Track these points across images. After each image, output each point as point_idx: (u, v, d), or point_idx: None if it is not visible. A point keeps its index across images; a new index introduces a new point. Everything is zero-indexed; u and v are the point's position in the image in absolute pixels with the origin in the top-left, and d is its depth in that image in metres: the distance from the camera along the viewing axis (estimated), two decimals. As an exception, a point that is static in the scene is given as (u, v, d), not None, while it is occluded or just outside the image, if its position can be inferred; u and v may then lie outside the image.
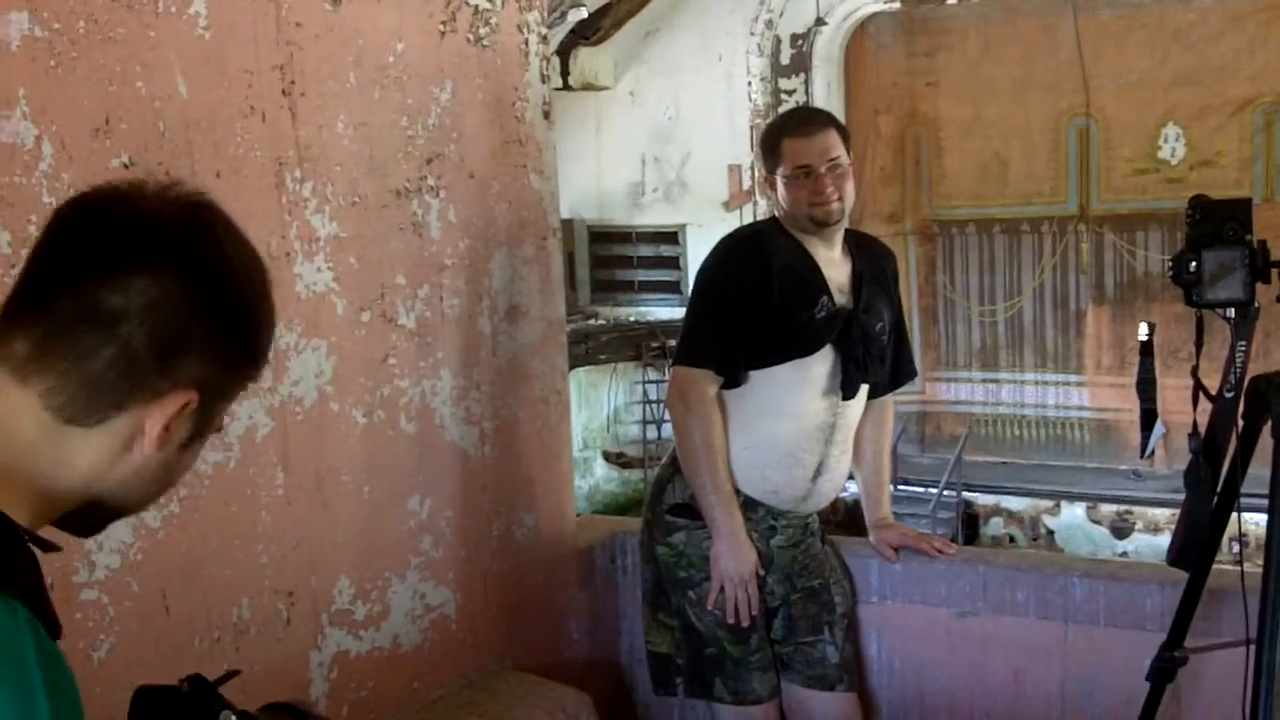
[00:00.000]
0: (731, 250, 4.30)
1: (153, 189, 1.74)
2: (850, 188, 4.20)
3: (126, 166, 3.19)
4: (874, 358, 4.32)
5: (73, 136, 3.08)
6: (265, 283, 1.81)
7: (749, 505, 4.27)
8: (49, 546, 1.63)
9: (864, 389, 4.37)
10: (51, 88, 3.03)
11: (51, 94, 3.03)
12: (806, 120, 4.36)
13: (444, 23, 4.16)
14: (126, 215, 1.70)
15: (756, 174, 15.99)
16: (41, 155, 3.01)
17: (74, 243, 1.69)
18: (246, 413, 3.56)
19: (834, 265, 4.27)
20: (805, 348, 4.19)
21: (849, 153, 4.23)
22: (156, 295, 1.63)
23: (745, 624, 4.23)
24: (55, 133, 3.04)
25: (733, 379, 4.21)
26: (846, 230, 4.33)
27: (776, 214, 4.37)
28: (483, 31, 4.31)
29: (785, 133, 4.27)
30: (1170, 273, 3.60)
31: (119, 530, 3.22)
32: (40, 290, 1.67)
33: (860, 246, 4.41)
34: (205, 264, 1.70)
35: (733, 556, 4.18)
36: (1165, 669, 3.83)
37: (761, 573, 4.25)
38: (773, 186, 4.27)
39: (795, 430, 4.25)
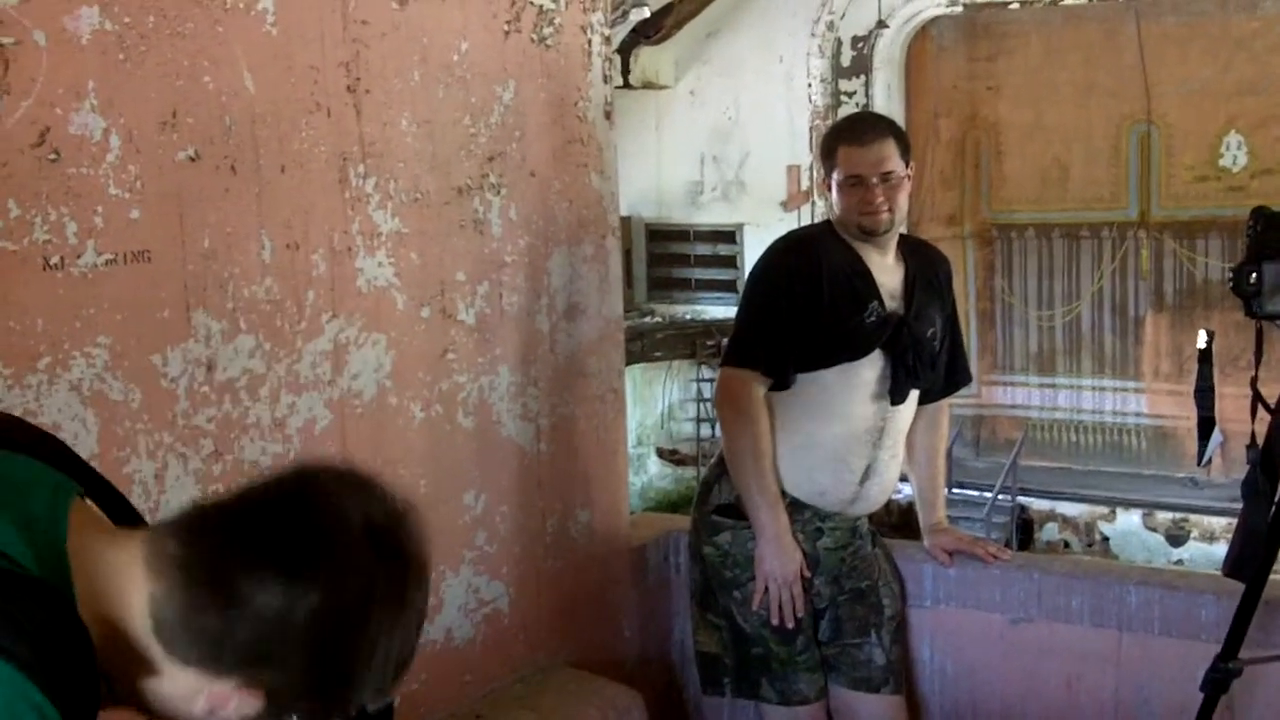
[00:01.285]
0: (783, 253, 4.31)
1: (378, 498, 1.78)
2: (903, 198, 4.19)
3: (192, 159, 3.22)
4: (924, 363, 4.31)
5: (140, 129, 3.11)
6: (406, 642, 1.82)
7: (796, 506, 4.27)
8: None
9: (914, 394, 4.37)
10: (120, 81, 3.07)
11: (120, 87, 3.07)
12: (864, 129, 4.33)
13: (508, 23, 4.18)
14: (317, 521, 1.72)
15: (815, 175, 15.99)
16: (109, 147, 3.04)
17: (261, 514, 1.72)
18: (306, 405, 3.60)
19: (886, 270, 4.27)
20: (854, 352, 4.19)
21: (908, 163, 4.21)
22: (278, 608, 1.65)
23: (790, 625, 4.23)
24: (123, 125, 3.07)
25: (781, 381, 4.21)
26: (901, 236, 4.33)
27: (831, 218, 4.38)
28: (546, 31, 4.33)
29: (842, 139, 4.26)
30: (1230, 283, 3.60)
31: (178, 521, 3.25)
32: (217, 523, 1.72)
33: (914, 252, 4.40)
34: (348, 609, 1.71)
35: (777, 557, 4.19)
36: (1220, 680, 3.81)
37: (807, 574, 4.25)
38: (828, 190, 4.27)
39: (843, 433, 4.26)
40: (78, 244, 2.99)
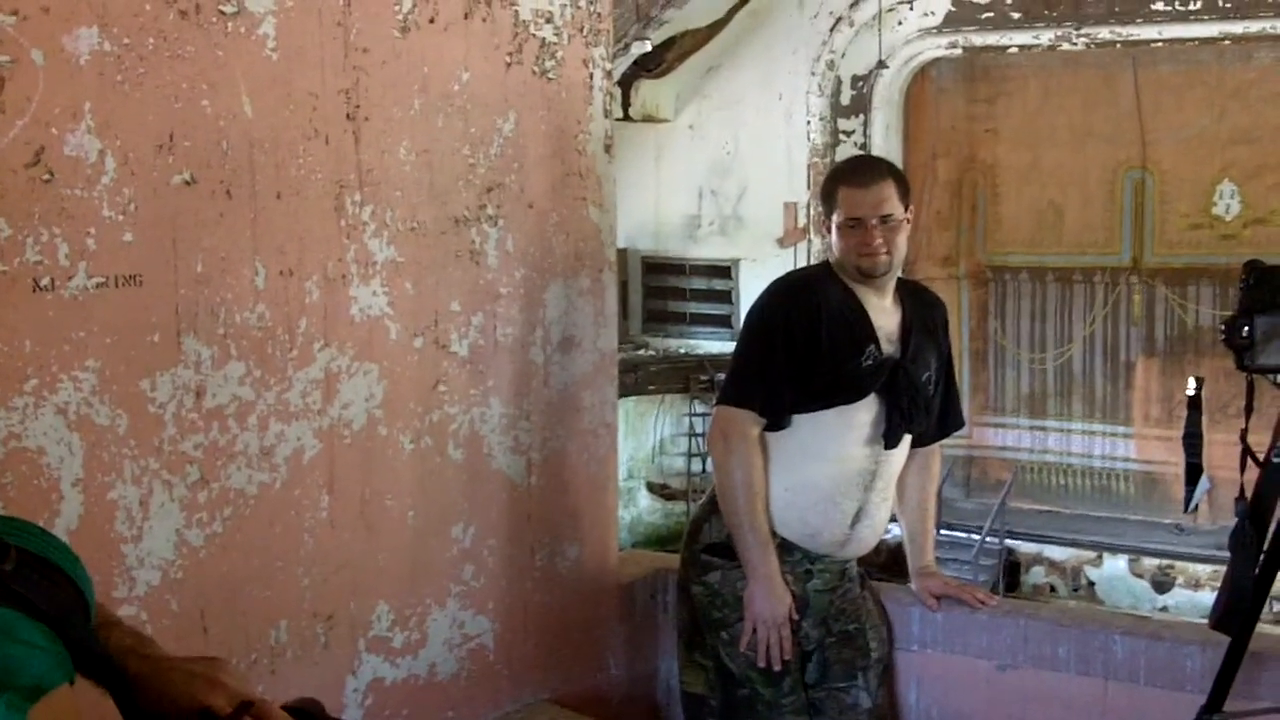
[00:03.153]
0: (782, 293, 4.29)
1: None
2: (902, 241, 4.18)
3: (188, 183, 3.21)
4: (919, 407, 4.30)
5: (136, 152, 3.10)
6: None
7: (786, 548, 4.25)
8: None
9: (906, 438, 4.35)
10: (117, 102, 3.06)
11: (117, 109, 3.06)
12: (865, 171, 4.34)
13: (510, 54, 4.18)
14: None
15: (813, 212, 16.01)
16: (104, 169, 3.04)
17: None
18: (295, 434, 3.58)
19: (884, 313, 4.26)
20: (850, 395, 4.18)
21: (907, 206, 4.21)
22: None
23: (777, 668, 4.21)
24: (119, 147, 3.06)
25: (776, 422, 4.20)
26: (899, 279, 4.32)
27: (829, 259, 4.37)
28: (548, 64, 4.32)
29: (842, 181, 4.26)
30: (1222, 335, 3.59)
31: (161, 547, 3.24)
32: None
33: (911, 295, 4.39)
34: None
35: (766, 599, 4.16)
36: (1204, 732, 3.80)
37: (796, 617, 4.22)
38: (827, 231, 4.26)
39: (836, 475, 4.24)
40: (69, 266, 2.97)
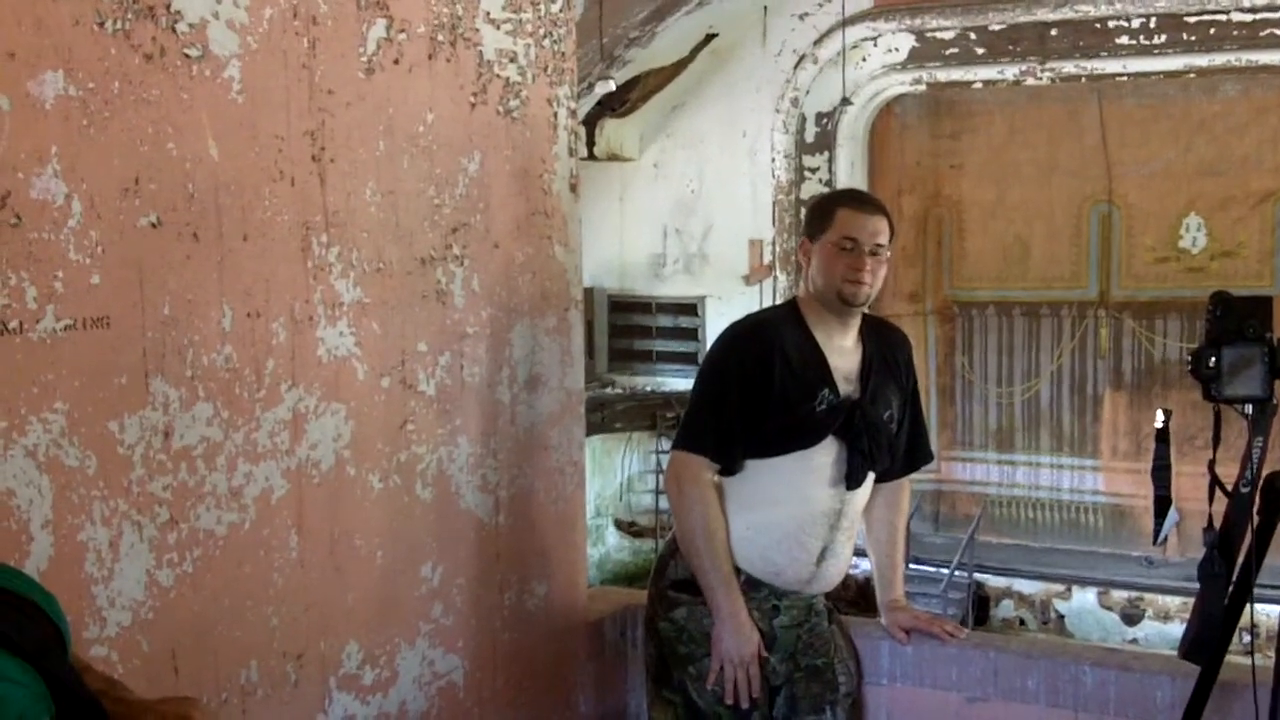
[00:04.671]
0: (736, 338, 4.29)
1: None
2: (882, 276, 4.20)
3: (154, 226, 3.21)
4: (880, 446, 4.30)
5: (102, 195, 3.10)
6: None
7: (752, 585, 4.25)
8: None
9: (871, 476, 4.36)
10: (83, 146, 3.06)
11: (83, 152, 3.06)
12: (866, 200, 4.37)
13: (475, 94, 4.20)
14: None
15: (778, 249, 16.04)
16: (70, 213, 3.03)
17: None
18: (263, 474, 3.58)
19: (843, 354, 4.26)
20: (807, 439, 4.18)
21: (891, 248, 4.24)
22: None
23: (745, 705, 4.21)
24: (85, 191, 3.06)
25: (729, 468, 4.21)
26: (865, 316, 4.33)
27: (799, 292, 4.38)
28: (513, 104, 4.34)
29: (842, 203, 4.27)
30: (1189, 366, 3.62)
31: (131, 588, 3.23)
32: None
33: (874, 332, 4.39)
34: None
35: (734, 638, 4.16)
36: (1175, 763, 3.81)
37: (764, 655, 4.23)
38: (808, 255, 4.26)
39: (799, 516, 4.24)
40: (37, 309, 2.97)
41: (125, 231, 3.16)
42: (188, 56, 3.29)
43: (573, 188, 4.67)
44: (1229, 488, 3.63)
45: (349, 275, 3.79)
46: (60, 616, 1.89)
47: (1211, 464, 3.60)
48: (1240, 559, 3.67)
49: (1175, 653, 3.96)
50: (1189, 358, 3.63)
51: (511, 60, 4.34)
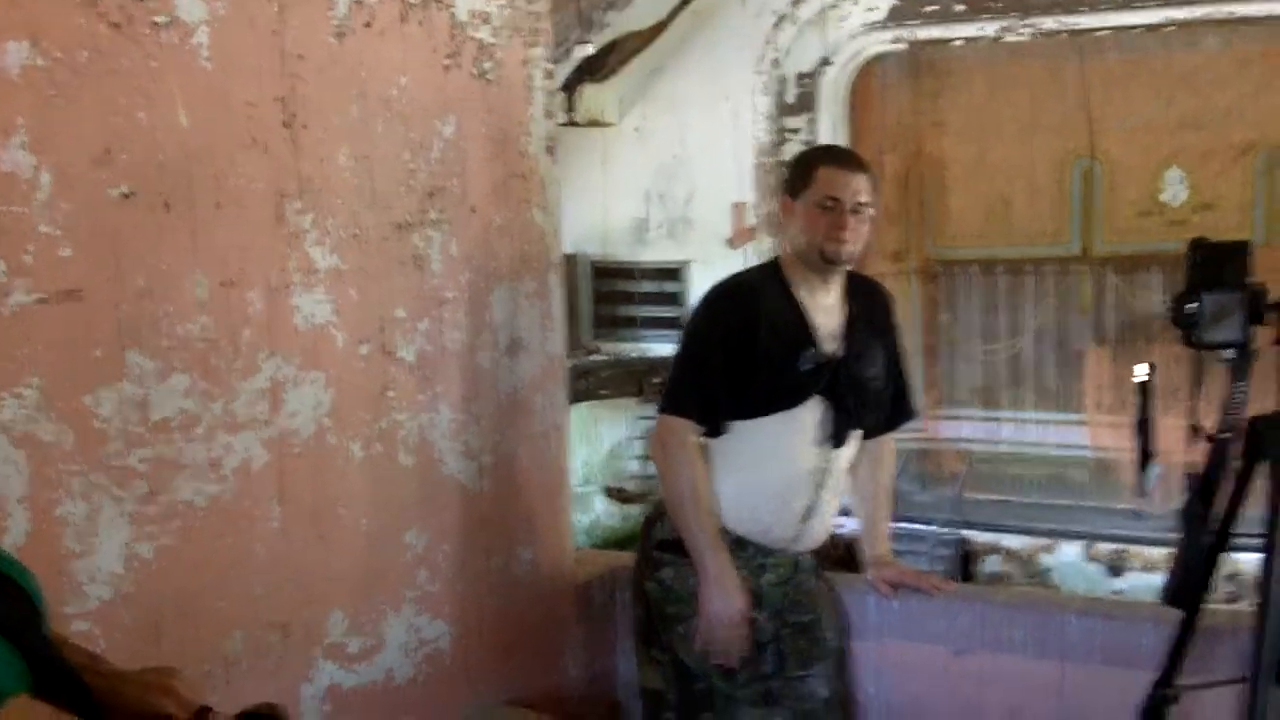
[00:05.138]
0: (718, 300, 4.28)
1: None
2: (865, 234, 4.17)
3: (126, 197, 3.19)
4: (866, 405, 4.30)
5: (72, 166, 3.08)
6: None
7: (738, 544, 4.26)
8: None
9: (857, 434, 4.36)
10: (51, 117, 3.04)
11: (51, 123, 3.04)
12: (847, 156, 4.35)
13: (449, 57, 4.17)
14: None
15: (761, 212, 16.01)
16: (39, 185, 3.01)
17: None
18: (243, 445, 3.56)
19: (827, 312, 4.25)
20: (791, 399, 4.18)
21: (874, 204, 4.22)
22: None
23: (733, 665, 4.21)
24: (54, 162, 3.04)
25: (713, 429, 4.21)
26: (848, 274, 4.32)
27: (781, 252, 4.36)
28: (487, 66, 4.32)
29: (824, 161, 4.24)
30: (1170, 314, 3.61)
31: (110, 562, 3.22)
32: None
33: (858, 291, 4.38)
34: None
35: (721, 599, 4.16)
36: (1157, 706, 3.82)
37: (752, 615, 4.23)
38: (789, 214, 4.24)
39: (786, 475, 4.24)
40: (7, 283, 2.95)
41: (96, 203, 3.14)
42: (155, 24, 3.26)
43: (550, 150, 4.65)
44: (1210, 433, 3.64)
45: (325, 242, 3.77)
46: (36, 591, 1.88)
47: (1193, 410, 3.60)
48: (1221, 505, 3.68)
49: (1159, 601, 3.97)
50: (1169, 306, 3.63)
51: (485, 22, 4.31)
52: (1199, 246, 3.64)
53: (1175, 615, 3.80)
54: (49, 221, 3.03)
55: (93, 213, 3.13)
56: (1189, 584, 3.73)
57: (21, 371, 3.00)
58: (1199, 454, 3.65)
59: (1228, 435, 3.59)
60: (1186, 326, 3.58)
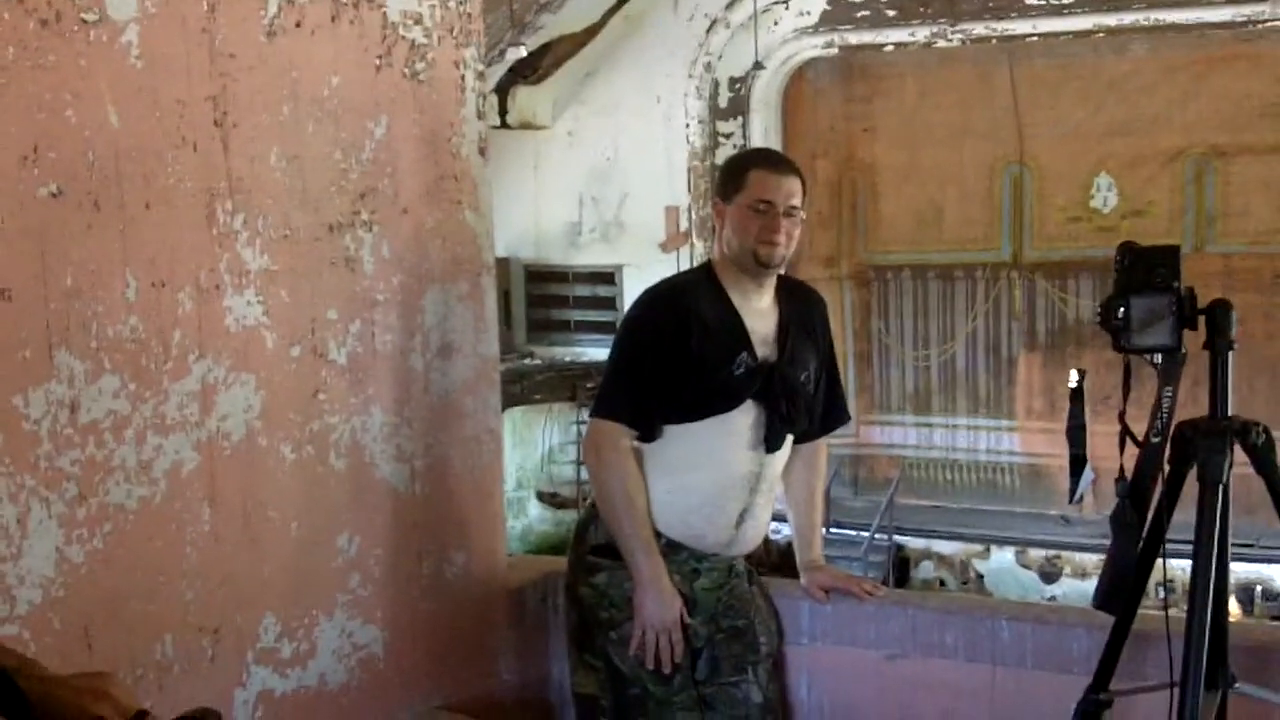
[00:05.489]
0: (652, 303, 4.28)
1: None
2: (796, 236, 4.18)
3: (54, 195, 3.16)
4: (799, 409, 4.30)
5: (0, 164, 3.05)
6: None
7: (672, 547, 4.24)
8: None
9: (789, 439, 4.36)
10: (-21, 114, 3.01)
11: (-22, 121, 3.01)
12: (779, 160, 4.36)
13: (380, 57, 4.15)
14: None
15: (694, 216, 16.05)
16: (-33, 183, 2.98)
17: None
18: (173, 447, 3.53)
19: (760, 316, 4.26)
20: (725, 403, 4.17)
21: (805, 207, 4.23)
22: None
23: (667, 670, 4.21)
24: (-18, 160, 3.01)
25: (646, 434, 4.20)
26: (780, 277, 4.32)
27: (713, 256, 4.36)
28: (419, 66, 4.30)
29: (755, 164, 4.25)
30: (1099, 318, 3.63)
31: (40, 565, 3.19)
32: None
33: (791, 295, 4.38)
34: None
35: (655, 604, 4.15)
36: (1091, 712, 3.83)
37: (688, 621, 4.22)
38: (721, 217, 4.24)
39: (719, 480, 4.24)
40: (-64, 282, 2.92)
41: (24, 201, 3.11)
42: (85, 21, 3.23)
43: (482, 151, 4.63)
44: (1139, 438, 3.65)
45: (255, 243, 3.74)
46: None
47: (1122, 414, 3.61)
48: (1152, 509, 3.69)
49: (1090, 605, 3.99)
50: (1098, 310, 3.64)
51: (417, 22, 4.29)
52: (1127, 251, 3.65)
53: (1106, 620, 3.81)
54: (-24, 220, 3.00)
55: (21, 211, 3.10)
56: (1120, 589, 3.75)
57: (-52, 372, 2.97)
58: (1129, 459, 3.66)
59: (1157, 440, 3.61)
60: (1115, 330, 3.59)
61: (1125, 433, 3.64)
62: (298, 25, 3.85)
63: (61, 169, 3.19)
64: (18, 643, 3.08)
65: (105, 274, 3.31)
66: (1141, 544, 3.70)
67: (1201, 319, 3.56)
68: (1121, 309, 3.56)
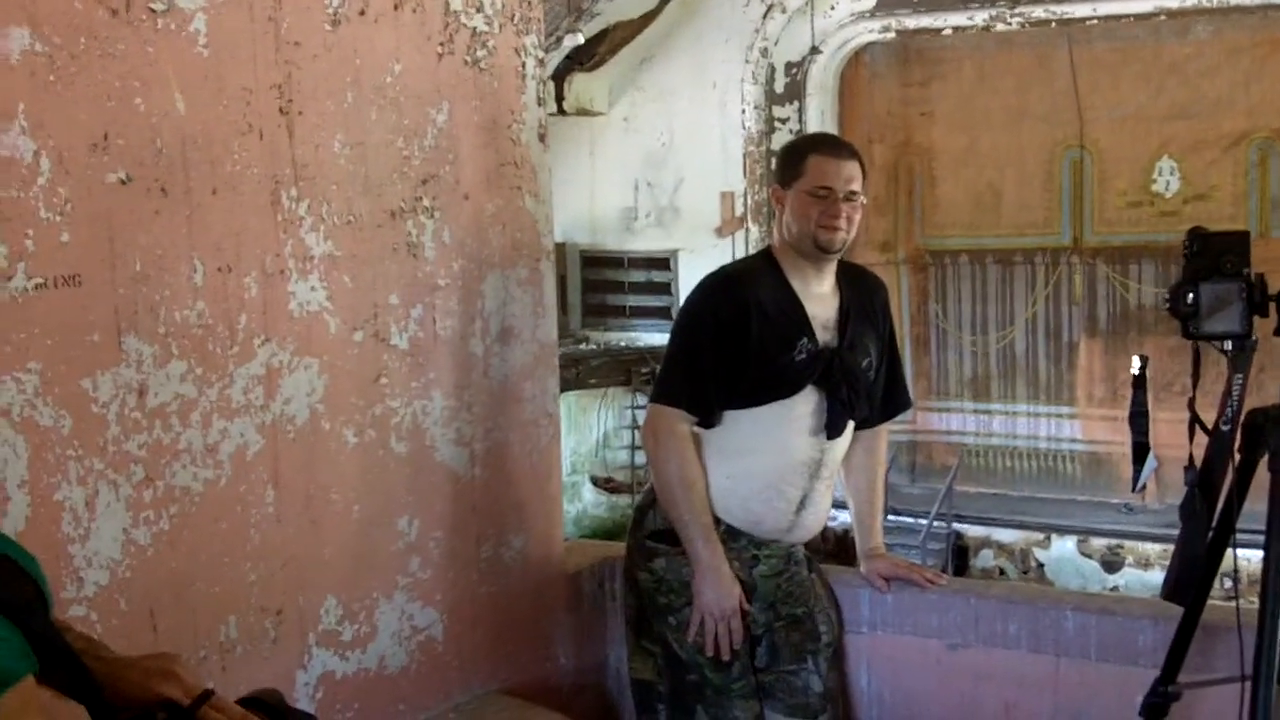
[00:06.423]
0: (712, 289, 4.27)
1: None
2: (857, 221, 4.17)
3: (123, 182, 3.19)
4: (859, 395, 4.28)
5: (70, 151, 3.08)
6: None
7: (731, 534, 4.25)
8: None
9: (850, 425, 4.35)
10: (50, 102, 3.03)
11: (50, 108, 3.03)
12: (838, 145, 4.35)
13: (442, 44, 4.16)
14: None
15: (749, 200, 16.01)
16: (39, 170, 3.01)
17: None
18: (238, 430, 3.56)
19: (821, 301, 4.25)
20: (785, 390, 4.17)
21: (864, 192, 4.21)
22: None
23: (726, 657, 4.20)
24: (53, 147, 3.04)
25: (706, 420, 4.20)
26: (840, 262, 4.31)
27: (773, 240, 4.35)
28: (480, 54, 4.31)
29: (815, 149, 4.24)
30: (1167, 304, 3.60)
31: (107, 547, 3.22)
32: None
33: (852, 280, 4.37)
34: None
35: (714, 590, 4.15)
36: (1158, 704, 3.80)
37: (746, 607, 4.22)
38: (781, 202, 4.23)
39: (779, 465, 4.23)
40: (8, 267, 2.95)
41: (94, 188, 3.14)
42: (153, 10, 3.26)
43: (541, 138, 4.63)
44: (1209, 426, 3.62)
45: (319, 229, 3.76)
46: (40, 575, 1.88)
47: (1191, 402, 3.59)
48: (1221, 498, 3.66)
49: (1157, 596, 3.96)
50: (1166, 297, 3.61)
51: (478, 10, 4.30)
52: (1195, 236, 3.62)
53: (1174, 611, 3.79)
54: (48, 207, 3.03)
55: (90, 198, 3.13)
56: (1189, 579, 3.72)
57: (21, 356, 3.00)
58: (1198, 448, 3.63)
59: (1227, 428, 3.57)
60: (1184, 317, 3.56)
61: (1195, 421, 3.61)
62: (361, 13, 3.86)
63: (130, 156, 3.21)
64: (85, 624, 3.11)
65: (172, 259, 3.34)
66: (1211, 534, 3.68)
67: (1272, 305, 3.53)
68: (1190, 295, 3.53)
